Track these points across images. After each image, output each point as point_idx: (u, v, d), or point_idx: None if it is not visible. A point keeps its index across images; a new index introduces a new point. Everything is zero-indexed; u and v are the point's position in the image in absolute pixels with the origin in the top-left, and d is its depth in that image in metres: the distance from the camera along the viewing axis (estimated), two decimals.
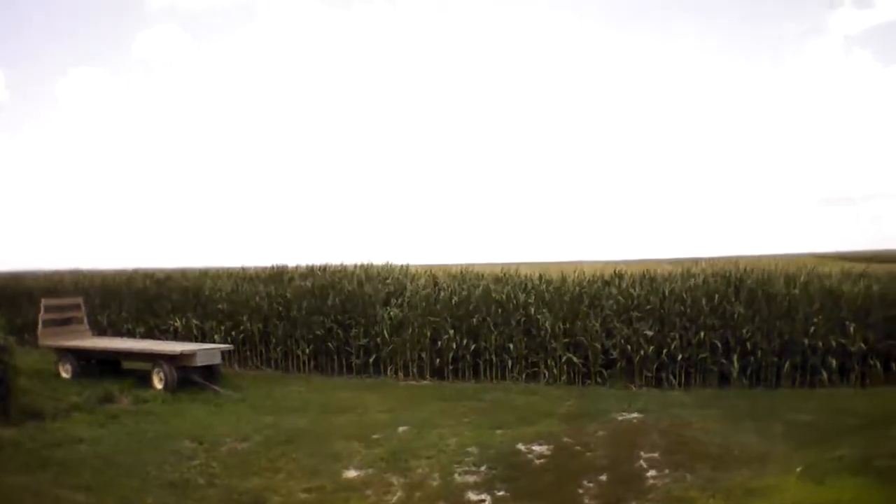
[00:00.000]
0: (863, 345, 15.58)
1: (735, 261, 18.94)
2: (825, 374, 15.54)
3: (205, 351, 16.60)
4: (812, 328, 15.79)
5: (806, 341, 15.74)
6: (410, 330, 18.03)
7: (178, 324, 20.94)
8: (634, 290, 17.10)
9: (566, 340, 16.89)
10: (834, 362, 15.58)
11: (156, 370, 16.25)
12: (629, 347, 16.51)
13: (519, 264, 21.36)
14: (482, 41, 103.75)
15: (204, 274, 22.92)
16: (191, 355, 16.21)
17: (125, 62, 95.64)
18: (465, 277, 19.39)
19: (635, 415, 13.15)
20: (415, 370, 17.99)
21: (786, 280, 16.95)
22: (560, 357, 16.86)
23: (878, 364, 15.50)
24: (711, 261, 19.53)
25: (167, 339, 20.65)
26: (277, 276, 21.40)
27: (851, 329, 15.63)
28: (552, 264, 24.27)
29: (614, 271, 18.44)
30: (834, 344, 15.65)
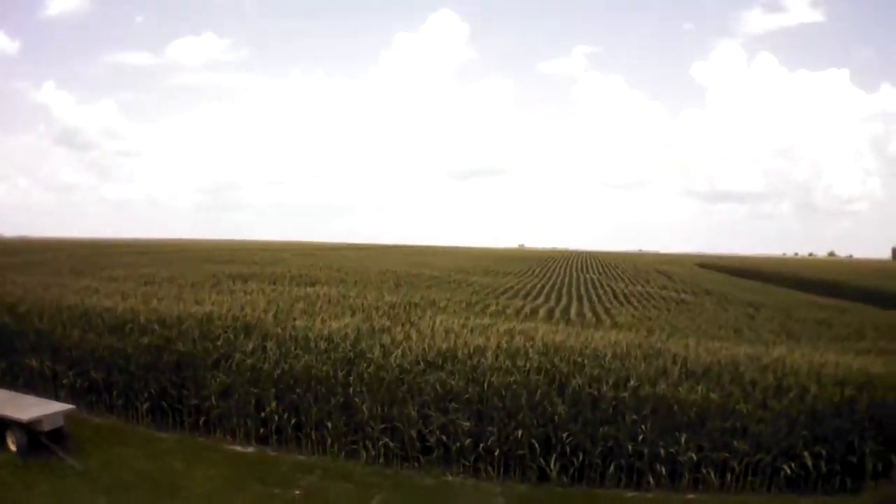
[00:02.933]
0: (693, 455, 16.64)
1: (570, 347, 19.40)
2: (651, 479, 16.62)
3: (49, 416, 17.37)
4: (640, 435, 16.71)
5: (631, 447, 16.69)
6: (237, 396, 19.27)
7: (33, 363, 22.04)
8: (454, 380, 17.69)
9: (383, 425, 17.84)
10: (663, 469, 16.61)
11: (8, 432, 17.40)
12: (444, 437, 17.43)
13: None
14: None
15: (59, 313, 23.55)
16: (38, 422, 17.15)
17: None
18: (295, 340, 20.11)
19: None
20: (241, 435, 19.17)
21: (615, 382, 17.43)
22: (377, 439, 17.80)
23: (712, 474, 16.63)
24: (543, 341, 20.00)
25: (24, 379, 21.99)
26: (121, 327, 21.85)
27: (683, 439, 16.63)
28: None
29: (440, 350, 18.86)
30: (663, 452, 16.63)
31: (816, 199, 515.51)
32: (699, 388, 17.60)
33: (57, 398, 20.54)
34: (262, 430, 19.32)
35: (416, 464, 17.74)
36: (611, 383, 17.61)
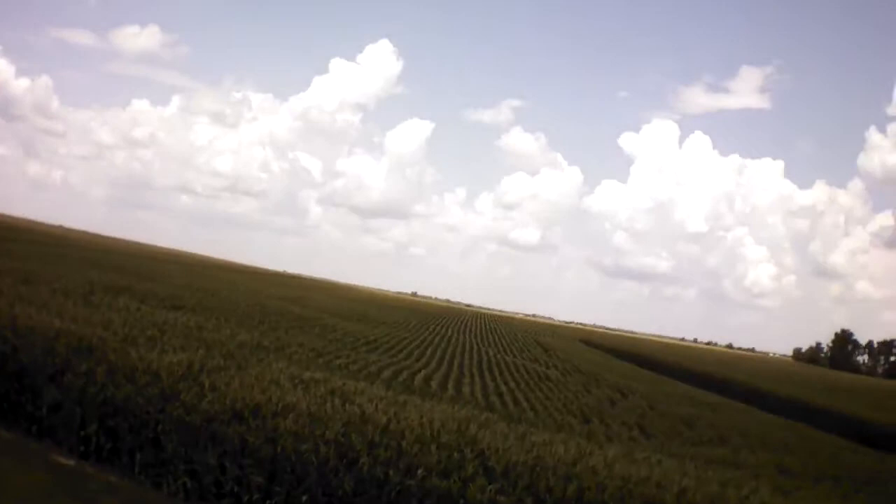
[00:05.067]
0: None
1: (377, 420, 19.75)
2: None
3: None
4: None
5: None
6: (64, 412, 20.40)
7: None
8: (252, 437, 18.26)
9: (184, 466, 18.63)
10: None
11: None
12: (237, 488, 17.99)
13: None
14: None
15: None
16: None
17: None
18: None
19: None
20: (66, 448, 20.04)
21: (406, 468, 17.55)
22: (179, 477, 18.59)
23: None
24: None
25: None
26: None
27: None
28: None
29: (247, 403, 19.53)
30: None
31: (726, 288, 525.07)
32: (490, 488, 17.58)
33: None
34: (82, 448, 19.91)
35: None
36: (401, 468, 17.76)
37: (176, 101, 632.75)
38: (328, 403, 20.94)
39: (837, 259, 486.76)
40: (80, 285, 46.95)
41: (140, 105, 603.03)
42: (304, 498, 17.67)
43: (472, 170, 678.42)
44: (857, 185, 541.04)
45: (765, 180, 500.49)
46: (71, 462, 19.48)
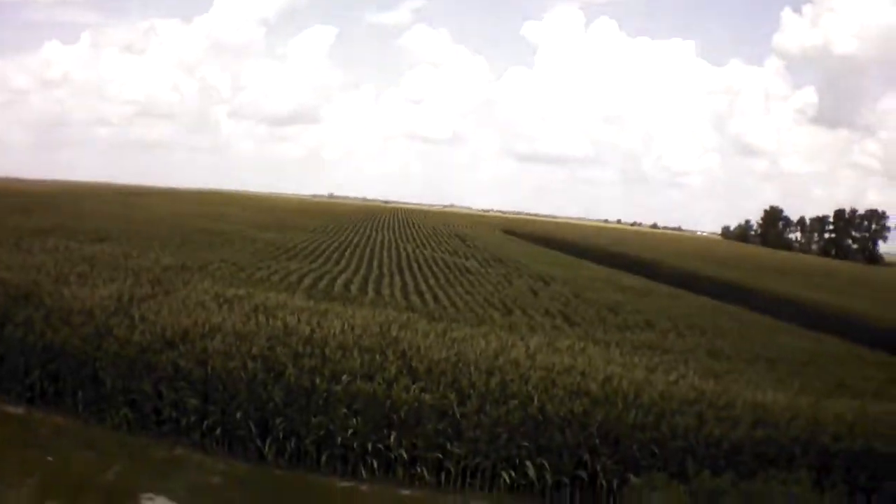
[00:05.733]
0: (403, 452, 18.26)
1: (300, 332, 21.47)
2: (363, 471, 18.26)
3: None
4: (350, 428, 18.33)
5: (341, 439, 18.32)
6: (8, 363, 22.17)
7: None
8: (183, 361, 19.85)
9: (123, 397, 20.16)
10: (374, 462, 18.27)
11: None
12: (174, 413, 19.50)
13: None
14: None
15: None
16: None
17: None
18: None
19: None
20: (14, 396, 21.70)
21: (331, 375, 19.19)
22: (119, 409, 20.02)
23: (426, 472, 18.31)
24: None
25: None
26: None
27: (393, 436, 18.29)
28: None
29: (175, 330, 21.19)
30: (370, 446, 18.29)
31: (646, 168, 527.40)
32: (413, 387, 19.02)
33: None
34: (29, 394, 21.29)
35: (153, 434, 19.68)
36: (326, 376, 19.19)
37: (86, 37, 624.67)
38: (252, 320, 22.39)
39: (760, 137, 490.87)
40: (8, 232, 47.34)
41: (51, 46, 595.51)
42: (238, 414, 18.98)
43: (378, 70, 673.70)
44: (774, 62, 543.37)
45: (676, 61, 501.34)
46: (20, 410, 20.82)
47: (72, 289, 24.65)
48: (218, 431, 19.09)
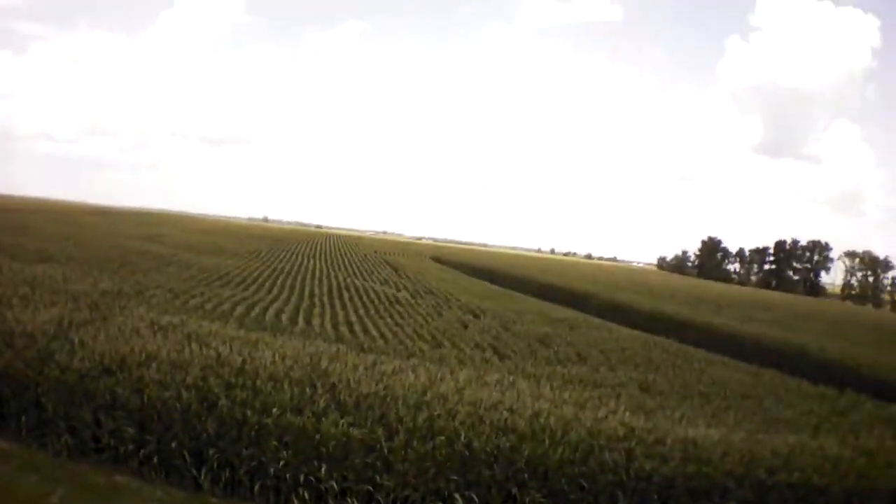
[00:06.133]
0: (334, 484, 18.63)
1: (231, 363, 22.21)
2: (295, 501, 18.56)
3: None
4: (282, 460, 18.80)
5: (273, 470, 18.77)
6: None
7: None
8: (121, 389, 20.14)
9: (64, 423, 20.25)
10: (306, 493, 18.60)
11: None
12: (113, 441, 19.69)
13: None
14: None
15: None
16: None
17: None
18: None
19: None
20: None
21: (262, 407, 19.67)
22: (60, 436, 20.10)
23: (356, 502, 18.65)
24: None
25: None
26: None
27: (324, 469, 18.68)
28: None
29: (113, 357, 21.50)
30: (301, 478, 18.71)
31: (579, 196, 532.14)
32: (341, 421, 19.50)
33: None
34: None
35: (93, 460, 19.86)
36: (257, 408, 19.69)
37: (34, 49, 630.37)
38: (186, 349, 22.97)
39: (701, 164, 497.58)
40: None
41: (2, 57, 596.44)
42: (173, 444, 19.33)
43: (320, 92, 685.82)
44: (718, 90, 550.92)
45: (619, 84, 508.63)
46: None
47: (14, 311, 25.33)
48: (155, 460, 19.40)
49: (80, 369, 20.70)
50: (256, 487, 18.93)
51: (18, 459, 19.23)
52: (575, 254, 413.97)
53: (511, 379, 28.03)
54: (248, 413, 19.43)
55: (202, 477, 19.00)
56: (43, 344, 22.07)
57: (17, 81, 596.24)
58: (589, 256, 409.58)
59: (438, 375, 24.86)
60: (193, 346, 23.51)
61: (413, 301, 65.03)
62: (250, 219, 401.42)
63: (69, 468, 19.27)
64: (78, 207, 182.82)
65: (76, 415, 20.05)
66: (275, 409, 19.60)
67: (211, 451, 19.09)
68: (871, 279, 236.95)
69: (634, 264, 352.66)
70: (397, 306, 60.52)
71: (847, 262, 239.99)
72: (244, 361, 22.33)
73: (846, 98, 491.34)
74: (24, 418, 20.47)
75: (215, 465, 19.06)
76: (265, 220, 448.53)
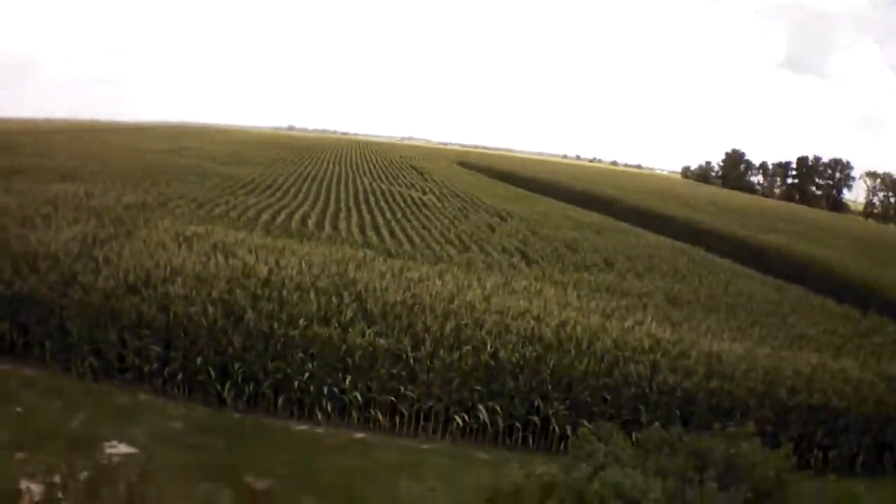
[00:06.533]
0: (359, 396, 18.86)
1: (258, 273, 22.24)
2: (319, 414, 18.82)
3: None
4: (307, 372, 18.89)
5: (298, 383, 18.89)
6: None
7: None
8: (146, 307, 20.14)
9: (88, 346, 20.24)
10: (329, 406, 18.84)
11: None
12: (138, 360, 19.75)
13: None
14: None
15: None
16: None
17: None
18: None
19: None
20: None
21: (288, 319, 19.73)
22: (85, 358, 20.13)
23: (380, 415, 18.99)
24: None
25: None
26: None
27: (349, 380, 18.93)
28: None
29: (138, 274, 21.57)
30: (326, 390, 18.86)
31: (606, 103, 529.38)
32: (368, 331, 19.63)
33: None
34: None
35: (117, 381, 20.03)
36: (284, 320, 19.70)
37: None
38: (212, 260, 22.92)
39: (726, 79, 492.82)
40: None
41: None
42: (199, 360, 19.44)
43: None
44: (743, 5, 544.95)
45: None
46: None
47: (37, 232, 24.94)
48: (179, 377, 19.52)
49: (104, 289, 20.71)
50: (280, 401, 19.12)
51: (42, 385, 19.45)
52: (600, 160, 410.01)
53: (538, 286, 27.91)
54: (275, 325, 19.51)
55: (226, 392, 19.21)
56: (67, 265, 22.04)
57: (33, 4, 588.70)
58: (614, 163, 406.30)
59: (465, 282, 24.98)
60: (219, 256, 23.62)
61: (440, 204, 64.48)
62: (275, 128, 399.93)
63: (94, 391, 19.53)
64: (100, 126, 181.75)
65: (101, 336, 20.11)
66: (301, 321, 19.67)
67: (236, 366, 19.25)
68: (893, 200, 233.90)
69: (659, 171, 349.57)
70: (424, 210, 60.03)
71: (868, 181, 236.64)
72: (270, 271, 22.43)
73: (869, 19, 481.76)
74: (47, 344, 20.48)
75: (239, 379, 19.22)
76: (291, 128, 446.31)
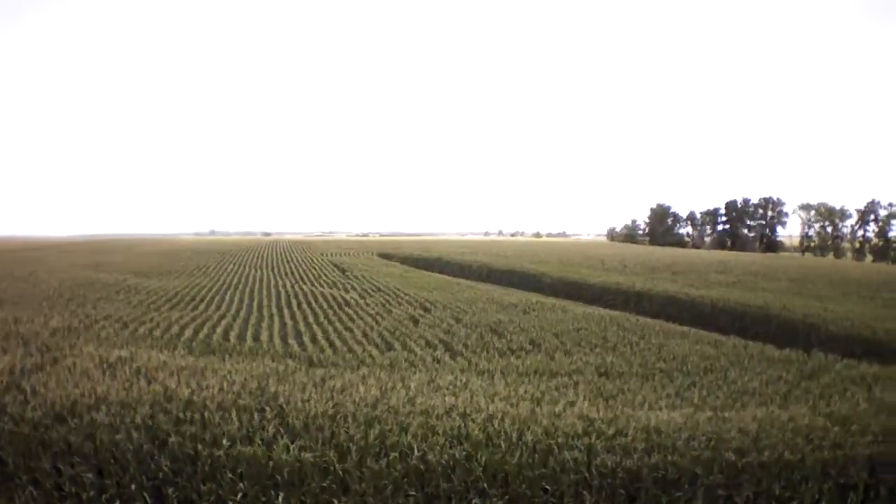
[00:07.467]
0: None
1: (179, 397, 22.27)
2: None
3: None
4: (240, 492, 18.76)
5: None
6: None
7: None
8: (73, 436, 20.02)
9: (25, 476, 20.00)
10: None
11: None
12: (74, 488, 19.66)
13: None
14: None
15: None
16: None
17: None
18: None
19: None
20: None
21: (212, 440, 19.63)
22: (23, 488, 19.84)
23: None
24: None
25: None
26: None
27: (281, 497, 18.72)
28: None
29: (63, 404, 21.36)
30: None
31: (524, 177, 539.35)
32: (292, 446, 19.43)
33: None
34: None
35: None
36: (208, 441, 19.61)
37: None
38: (135, 386, 22.96)
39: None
40: None
41: None
42: (133, 486, 19.21)
43: None
44: None
45: None
46: None
47: None
48: (117, 503, 19.30)
49: (33, 419, 20.63)
50: None
51: None
52: (523, 233, 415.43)
53: (464, 379, 28.07)
54: (200, 447, 19.32)
55: None
56: None
57: None
58: (538, 234, 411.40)
59: (389, 384, 25.11)
60: (142, 381, 23.70)
61: (362, 301, 64.83)
62: (197, 234, 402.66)
63: None
64: (25, 243, 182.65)
65: (36, 465, 19.97)
66: (224, 441, 19.52)
67: (170, 490, 19.02)
68: (829, 229, 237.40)
69: (584, 237, 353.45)
70: (346, 309, 60.23)
71: (803, 214, 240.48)
72: (192, 393, 22.46)
73: None
74: None
75: (176, 503, 18.98)
76: (212, 233, 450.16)
